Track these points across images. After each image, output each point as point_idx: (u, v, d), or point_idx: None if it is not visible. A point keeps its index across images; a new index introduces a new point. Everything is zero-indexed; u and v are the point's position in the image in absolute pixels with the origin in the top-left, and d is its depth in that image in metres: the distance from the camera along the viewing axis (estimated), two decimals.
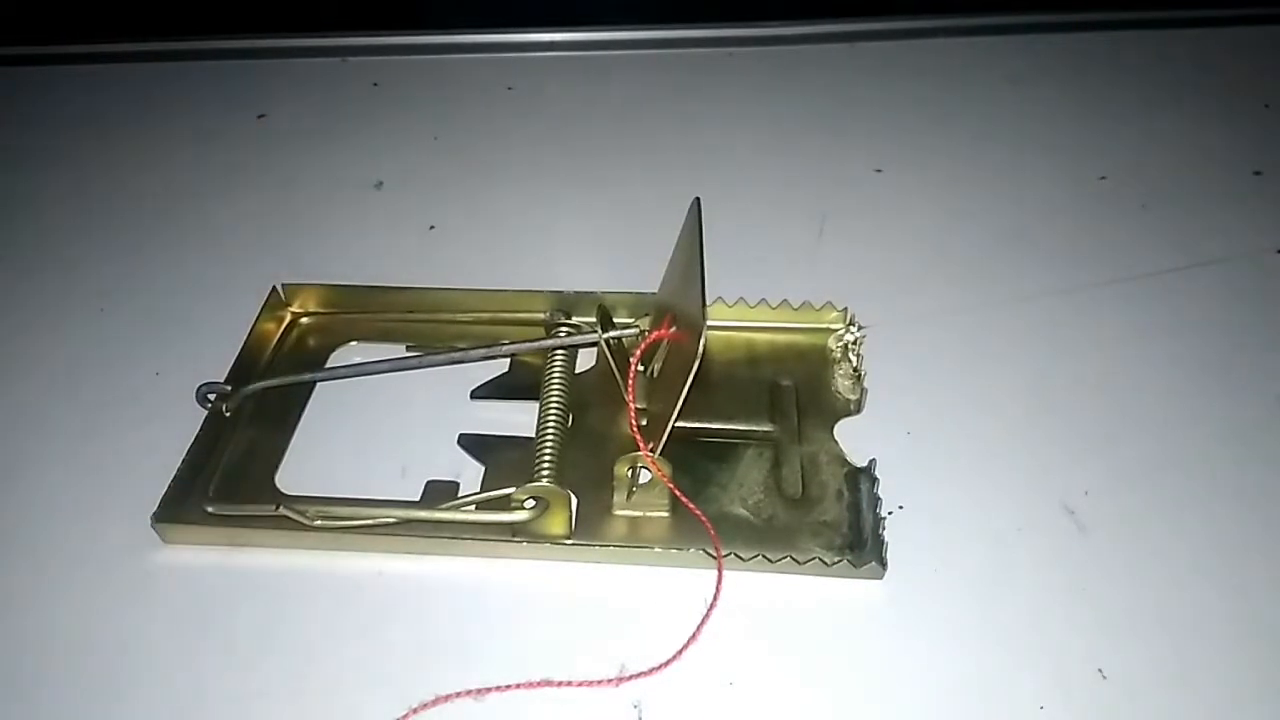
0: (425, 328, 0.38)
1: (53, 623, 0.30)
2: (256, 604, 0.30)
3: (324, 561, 0.31)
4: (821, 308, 0.37)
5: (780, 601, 0.30)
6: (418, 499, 0.32)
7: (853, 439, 0.34)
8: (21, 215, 0.46)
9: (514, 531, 0.30)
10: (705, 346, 0.28)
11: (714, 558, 0.30)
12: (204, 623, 0.29)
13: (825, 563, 0.29)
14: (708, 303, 0.30)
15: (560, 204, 0.46)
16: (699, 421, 0.34)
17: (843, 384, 0.35)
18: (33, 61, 0.57)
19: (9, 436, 0.35)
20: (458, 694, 0.27)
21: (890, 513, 0.31)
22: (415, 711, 0.27)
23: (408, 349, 0.37)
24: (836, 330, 0.37)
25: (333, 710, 0.27)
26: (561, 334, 0.35)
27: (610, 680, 0.28)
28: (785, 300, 0.37)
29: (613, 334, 0.34)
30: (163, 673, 0.28)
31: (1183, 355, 0.37)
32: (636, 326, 0.34)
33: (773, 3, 0.57)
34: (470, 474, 0.33)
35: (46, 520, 0.32)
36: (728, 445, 0.34)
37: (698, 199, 0.33)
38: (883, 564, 0.30)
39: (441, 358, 0.35)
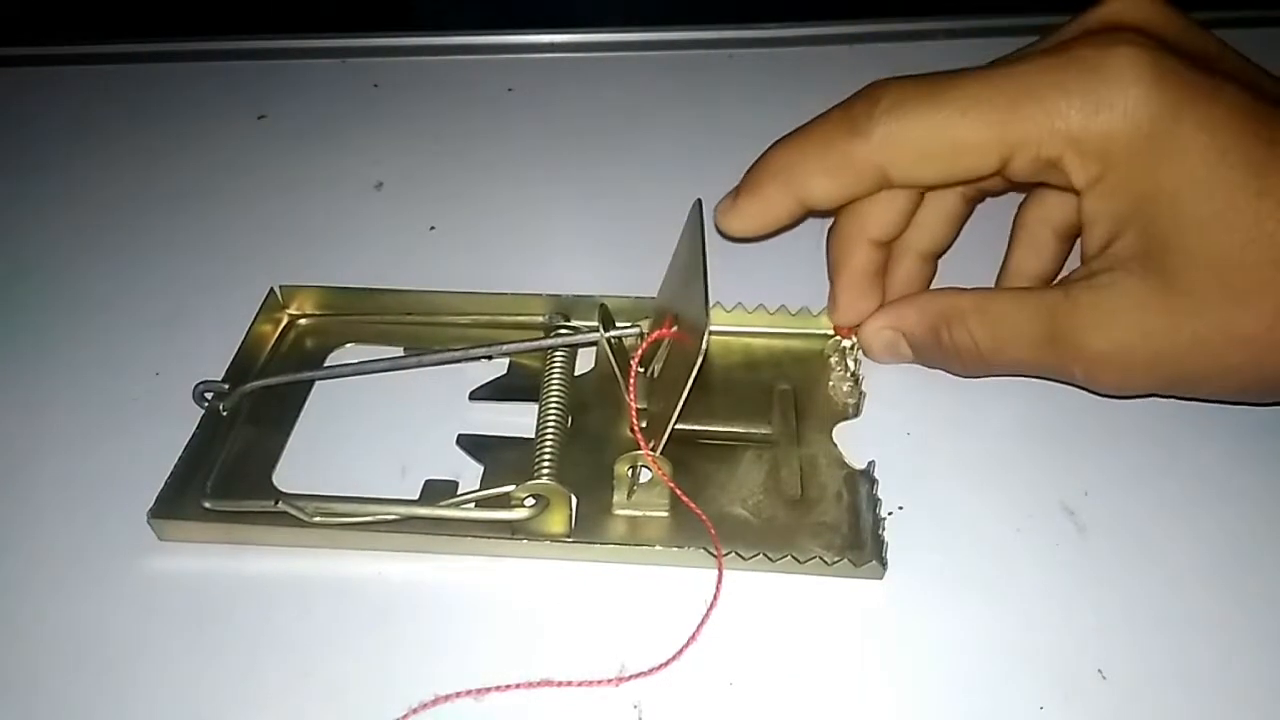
0: (423, 330, 0.38)
1: (47, 620, 0.29)
2: (254, 602, 0.30)
3: (323, 560, 0.31)
4: (819, 313, 0.37)
5: (780, 601, 0.30)
6: (416, 499, 0.32)
7: (853, 440, 0.34)
8: (20, 215, 0.46)
9: (514, 530, 0.30)
10: (707, 347, 0.28)
11: (714, 556, 0.30)
12: (201, 621, 0.29)
13: (825, 562, 0.29)
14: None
15: (560, 205, 0.46)
16: (698, 424, 0.34)
17: (841, 388, 0.36)
18: (33, 62, 0.57)
19: (7, 435, 0.35)
20: (458, 694, 0.27)
21: (890, 513, 0.31)
22: (415, 711, 0.27)
23: (406, 351, 0.37)
24: (834, 335, 0.37)
25: (331, 709, 0.27)
26: (562, 335, 0.35)
27: (610, 680, 0.28)
28: (783, 305, 0.37)
29: (614, 333, 0.34)
30: (158, 671, 0.28)
31: None
32: (637, 327, 0.34)
33: (773, 5, 0.58)
34: (469, 475, 0.33)
35: (42, 518, 0.32)
36: (727, 448, 0.34)
37: (699, 201, 0.33)
38: (883, 564, 0.30)
39: (440, 356, 0.35)
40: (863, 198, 0.33)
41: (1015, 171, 0.30)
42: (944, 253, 0.37)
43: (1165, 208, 0.28)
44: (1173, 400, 0.35)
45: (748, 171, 0.34)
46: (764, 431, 0.34)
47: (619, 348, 0.34)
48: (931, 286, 0.37)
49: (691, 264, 0.31)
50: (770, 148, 0.33)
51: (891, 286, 0.36)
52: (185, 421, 0.34)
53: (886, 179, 0.31)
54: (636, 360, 0.32)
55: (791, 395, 0.35)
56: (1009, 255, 0.36)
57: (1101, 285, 0.30)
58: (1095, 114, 0.28)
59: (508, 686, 0.27)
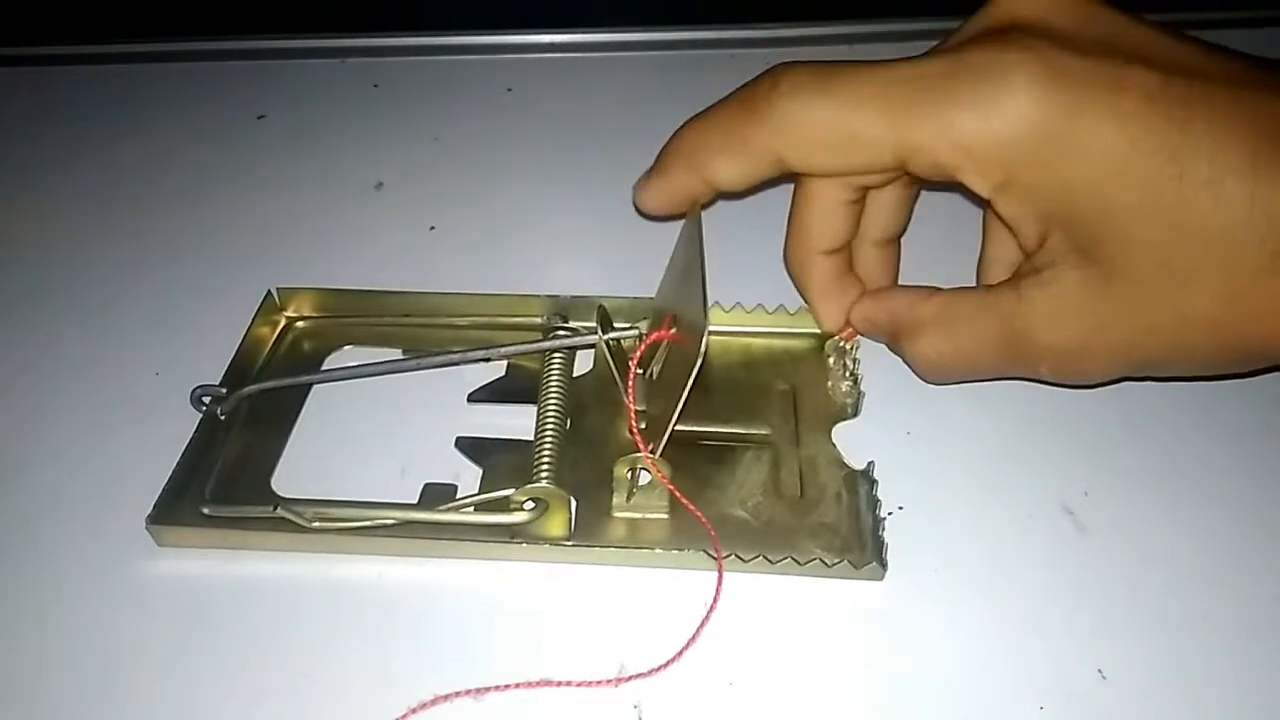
0: (422, 332, 0.38)
1: (45, 624, 0.29)
2: (253, 604, 0.30)
3: (322, 564, 0.31)
4: None
5: (780, 602, 0.30)
6: (415, 502, 0.32)
7: (853, 440, 0.34)
8: (20, 215, 0.46)
9: (513, 533, 0.30)
10: (707, 348, 0.28)
11: (714, 558, 0.30)
12: (200, 626, 0.29)
13: (825, 563, 0.29)
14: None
15: (560, 205, 0.46)
16: (697, 425, 0.34)
17: (840, 388, 0.35)
18: (33, 62, 0.57)
19: (5, 435, 0.35)
20: (457, 694, 0.27)
21: (890, 513, 0.31)
22: (414, 711, 0.27)
23: (404, 353, 0.37)
24: (833, 335, 0.37)
25: (331, 711, 0.27)
26: (560, 337, 0.35)
27: (610, 680, 0.28)
28: (782, 305, 0.37)
29: (612, 335, 0.34)
30: (157, 675, 0.28)
31: None
32: (636, 328, 0.34)
33: (773, 4, 0.58)
34: (468, 477, 0.33)
35: (40, 519, 0.32)
36: (726, 449, 0.34)
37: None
38: (883, 565, 0.30)
39: (439, 359, 0.35)
40: (767, 179, 0.33)
41: (917, 172, 0.30)
42: (901, 234, 0.37)
43: (1086, 203, 0.28)
44: (1172, 400, 0.35)
45: (660, 150, 0.34)
46: (763, 432, 0.34)
47: (617, 350, 0.34)
48: (901, 267, 0.37)
49: (690, 265, 0.31)
50: (680, 128, 0.34)
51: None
52: (184, 422, 0.34)
53: (784, 164, 0.31)
54: (635, 362, 0.32)
55: (790, 395, 0.35)
56: (983, 246, 0.36)
57: (1047, 281, 0.29)
58: (987, 122, 0.27)
59: (507, 686, 0.27)
